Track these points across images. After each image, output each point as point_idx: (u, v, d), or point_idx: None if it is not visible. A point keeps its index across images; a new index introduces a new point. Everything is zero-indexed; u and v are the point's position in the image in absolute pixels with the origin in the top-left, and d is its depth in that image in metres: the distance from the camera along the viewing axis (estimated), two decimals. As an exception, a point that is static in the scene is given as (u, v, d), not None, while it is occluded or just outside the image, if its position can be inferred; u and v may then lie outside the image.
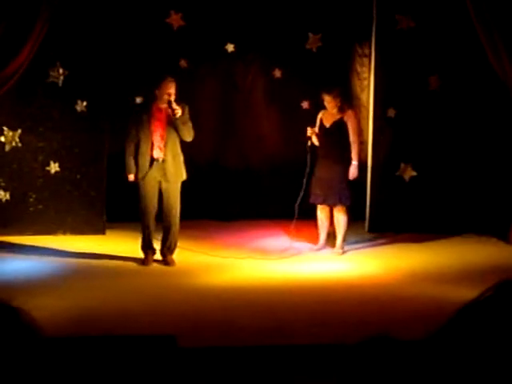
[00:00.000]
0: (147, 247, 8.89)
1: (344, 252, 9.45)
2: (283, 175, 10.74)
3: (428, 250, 9.64)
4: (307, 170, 9.32)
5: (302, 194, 9.36)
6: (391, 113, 10.37)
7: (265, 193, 11.10)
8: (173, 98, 8.56)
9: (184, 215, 9.74)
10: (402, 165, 10.45)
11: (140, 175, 8.76)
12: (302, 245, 9.75)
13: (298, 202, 9.36)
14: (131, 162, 8.80)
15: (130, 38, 10.56)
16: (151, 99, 8.81)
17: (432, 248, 9.72)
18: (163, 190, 8.80)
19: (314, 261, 9.14)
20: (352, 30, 10.98)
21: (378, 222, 10.44)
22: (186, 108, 8.72)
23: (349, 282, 8.27)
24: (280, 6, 10.83)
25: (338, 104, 9.24)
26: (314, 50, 11.08)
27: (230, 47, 10.95)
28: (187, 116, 8.73)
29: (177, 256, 9.03)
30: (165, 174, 8.73)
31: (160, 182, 8.79)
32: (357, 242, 9.92)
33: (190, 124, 8.76)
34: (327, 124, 9.32)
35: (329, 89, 9.35)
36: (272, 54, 11.02)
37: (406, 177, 10.48)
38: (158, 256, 8.97)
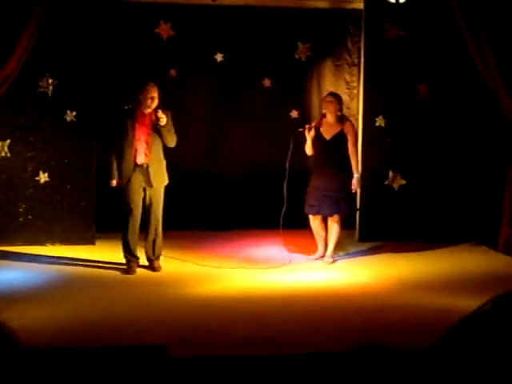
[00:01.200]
0: (130, 254, 8.89)
1: (334, 261, 9.45)
2: (273, 184, 10.73)
3: (418, 258, 9.65)
4: (287, 163, 9.26)
5: (285, 205, 9.36)
6: (380, 121, 10.40)
7: (255, 202, 11.10)
8: (156, 102, 8.63)
9: (174, 225, 9.75)
10: (391, 174, 10.48)
11: (123, 181, 8.78)
12: (295, 255, 9.76)
13: (282, 214, 9.38)
14: (114, 168, 8.84)
15: (120, 47, 10.57)
16: (135, 105, 8.80)
17: (422, 257, 9.73)
18: (147, 196, 8.83)
19: (305, 270, 9.13)
20: (341, 40, 11.02)
21: (368, 231, 10.45)
22: (169, 113, 8.74)
23: (339, 291, 8.27)
24: (269, 16, 10.85)
25: (338, 108, 9.24)
26: (304, 59, 11.11)
27: (220, 57, 10.96)
28: (170, 122, 8.75)
29: (167, 266, 9.03)
30: (149, 180, 8.74)
31: (144, 188, 8.81)
32: (347, 251, 9.92)
33: (172, 130, 8.79)
34: (327, 136, 9.28)
35: (335, 93, 9.63)
36: (261, 64, 11.04)
37: (396, 186, 10.50)
38: (142, 262, 9.00)
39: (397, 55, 10.31)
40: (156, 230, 8.89)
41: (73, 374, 3.59)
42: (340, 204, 9.25)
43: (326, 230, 9.46)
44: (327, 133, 9.29)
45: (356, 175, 9.25)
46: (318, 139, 9.30)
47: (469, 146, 10.45)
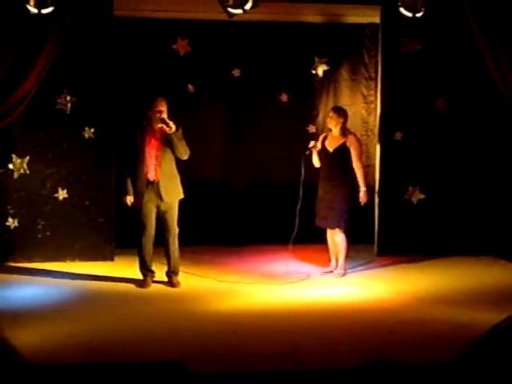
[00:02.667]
0: (145, 269, 8.95)
1: (345, 274, 9.45)
2: (290, 199, 10.71)
3: (436, 272, 9.61)
4: (301, 178, 9.33)
5: (295, 230, 9.40)
6: (398, 136, 10.38)
7: (272, 217, 11.08)
8: (165, 115, 8.66)
9: (192, 241, 9.76)
10: (410, 188, 10.45)
11: (139, 199, 8.84)
12: (311, 268, 9.75)
13: (292, 239, 9.42)
14: (128, 185, 8.89)
15: (138, 64, 10.62)
16: (146, 122, 8.85)
17: (440, 271, 9.69)
18: (161, 212, 8.86)
19: (322, 285, 9.12)
20: (357, 54, 11.03)
21: (387, 246, 10.42)
22: (180, 129, 8.74)
23: (357, 306, 8.24)
24: (285, 31, 10.88)
25: (341, 124, 9.31)
26: (320, 73, 11.12)
27: (237, 72, 10.99)
28: (181, 136, 8.76)
29: (185, 282, 9.03)
30: (161, 196, 8.77)
31: (157, 204, 8.83)
32: (365, 266, 9.90)
33: (184, 142, 8.78)
34: (330, 148, 9.38)
35: (337, 107, 9.71)
36: (278, 79, 11.06)
37: (414, 200, 10.48)
38: (158, 277, 9.05)
39: (414, 69, 10.30)
40: (172, 245, 8.92)
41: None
42: (341, 216, 9.28)
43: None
44: (331, 145, 9.40)
45: (363, 188, 9.28)
46: (323, 152, 9.40)
47: (487, 159, 10.41)
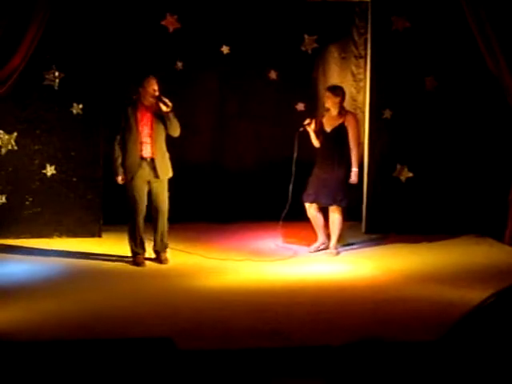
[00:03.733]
0: (137, 247, 8.91)
1: (338, 253, 9.47)
2: (279, 176, 10.72)
3: (424, 251, 9.65)
4: (294, 155, 9.34)
5: (286, 209, 9.42)
6: (387, 114, 10.38)
7: (261, 194, 11.09)
8: (157, 94, 8.66)
9: (181, 218, 9.75)
10: (399, 166, 10.46)
11: (129, 176, 8.80)
12: (300, 246, 9.77)
13: (282, 215, 9.43)
14: (118, 163, 8.84)
15: (126, 40, 10.56)
16: (137, 98, 8.82)
17: (428, 249, 9.73)
18: (152, 189, 8.85)
19: (312, 262, 9.14)
20: (347, 32, 11.00)
21: (375, 223, 10.45)
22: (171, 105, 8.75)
23: (345, 283, 8.27)
24: (275, 8, 10.84)
25: (338, 103, 9.29)
26: (310, 51, 11.09)
27: (226, 49, 10.95)
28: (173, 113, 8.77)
29: (174, 258, 9.04)
30: (155, 173, 8.77)
31: (149, 181, 8.82)
32: (353, 243, 9.93)
33: (176, 119, 8.77)
34: (328, 129, 9.36)
35: (333, 86, 9.60)
36: (267, 56, 11.03)
37: (403, 178, 10.49)
38: (148, 254, 9.03)
39: (403, 47, 10.28)
40: (162, 222, 8.91)
41: (79, 366, 3.60)
42: (338, 195, 9.28)
43: (325, 219, 9.49)
44: (328, 125, 9.38)
45: (354, 169, 9.28)
46: (321, 131, 9.39)
47: (476, 138, 10.42)
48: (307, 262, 9.18)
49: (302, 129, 9.40)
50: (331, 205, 9.37)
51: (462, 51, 10.18)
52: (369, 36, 10.51)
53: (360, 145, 9.66)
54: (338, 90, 9.42)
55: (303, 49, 11.09)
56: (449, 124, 10.41)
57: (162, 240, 8.98)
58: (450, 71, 10.32)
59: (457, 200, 10.45)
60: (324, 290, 8.00)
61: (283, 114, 11.13)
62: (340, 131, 9.30)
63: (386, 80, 10.34)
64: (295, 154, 9.34)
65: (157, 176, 8.78)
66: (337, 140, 9.31)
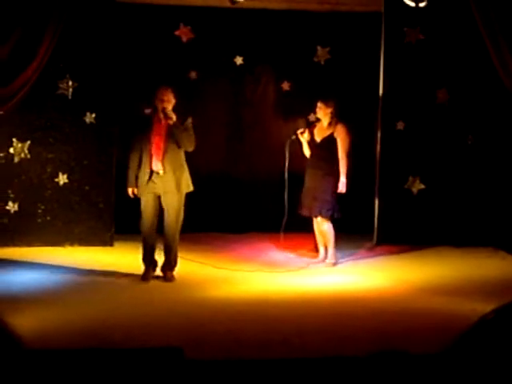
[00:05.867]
0: (148, 261, 8.72)
1: (335, 264, 9.46)
2: (291, 188, 10.71)
3: (436, 262, 9.62)
4: (286, 164, 9.40)
5: (285, 216, 9.44)
6: (400, 126, 10.37)
7: (273, 205, 11.07)
8: (168, 105, 8.46)
9: (192, 228, 9.74)
10: (411, 178, 10.45)
11: (140, 189, 8.60)
12: (306, 258, 9.75)
13: (283, 224, 9.43)
14: (131, 176, 8.64)
15: (140, 50, 10.61)
16: (154, 111, 8.68)
17: (440, 261, 9.70)
18: (163, 204, 8.62)
19: (322, 274, 9.13)
20: (360, 43, 10.99)
21: (386, 235, 10.43)
22: (189, 119, 8.68)
23: (357, 294, 8.25)
24: (288, 19, 10.85)
25: (329, 114, 9.30)
26: (322, 62, 11.10)
27: (239, 60, 10.98)
28: (189, 126, 8.60)
29: (184, 268, 9.00)
30: (164, 187, 8.55)
31: (159, 196, 8.61)
32: (364, 255, 9.91)
33: (191, 133, 8.57)
34: (318, 139, 9.43)
35: (325, 97, 9.54)
36: (280, 67, 11.04)
37: (415, 190, 10.48)
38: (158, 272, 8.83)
39: (416, 59, 10.28)
40: (171, 240, 8.68)
41: (88, 375, 3.60)
42: (324, 206, 9.28)
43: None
44: (319, 136, 9.44)
45: (343, 179, 9.27)
46: (312, 141, 9.44)
47: (488, 150, 10.41)
48: (318, 273, 9.17)
49: (294, 137, 9.47)
50: (320, 216, 9.37)
51: (474, 64, 10.18)
52: (382, 47, 10.51)
53: (349, 155, 9.56)
54: (330, 102, 9.41)
55: (316, 60, 11.10)
56: (461, 136, 10.39)
57: (169, 257, 8.72)
58: (463, 83, 10.32)
59: (469, 212, 10.43)
60: (334, 301, 7.98)
61: (296, 124, 11.12)
62: (329, 141, 9.33)
63: (399, 92, 10.34)
64: (287, 163, 9.37)
65: (165, 191, 8.55)
66: (326, 150, 9.34)
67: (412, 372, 1.87)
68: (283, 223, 9.48)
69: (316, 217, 9.45)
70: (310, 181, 9.44)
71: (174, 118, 8.41)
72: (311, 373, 5.89)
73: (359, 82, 10.99)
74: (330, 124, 9.37)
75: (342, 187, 9.31)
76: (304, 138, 9.42)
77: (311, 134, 9.46)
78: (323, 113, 9.38)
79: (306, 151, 9.48)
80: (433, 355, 1.86)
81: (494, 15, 9.39)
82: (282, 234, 9.56)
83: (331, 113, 9.36)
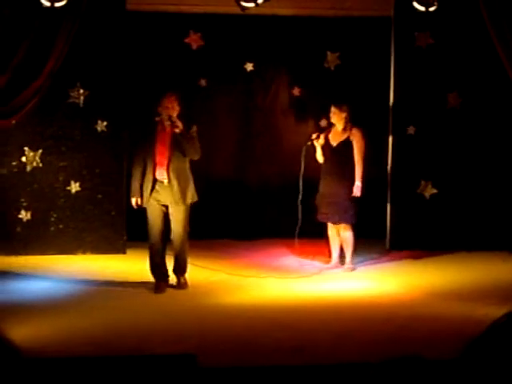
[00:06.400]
0: (158, 273, 8.57)
1: (354, 269, 9.46)
2: (303, 193, 10.70)
3: (449, 267, 9.59)
4: (301, 171, 9.40)
5: (299, 223, 9.43)
6: (411, 130, 10.36)
7: (284, 211, 11.06)
8: (173, 113, 8.33)
9: (204, 234, 9.73)
10: (423, 182, 10.43)
11: (144, 200, 8.44)
12: (322, 264, 9.74)
13: (297, 231, 9.42)
14: (135, 186, 8.49)
15: (150, 57, 10.62)
16: (157, 118, 8.57)
17: (453, 266, 9.67)
18: (170, 213, 8.46)
19: (335, 279, 9.11)
20: (370, 48, 10.97)
21: (399, 240, 10.41)
22: (195, 127, 8.54)
23: (370, 300, 8.23)
24: (298, 25, 10.85)
25: (343, 118, 9.30)
26: (333, 68, 11.10)
27: (249, 66, 10.98)
28: (194, 134, 8.45)
29: (197, 275, 8.98)
30: (169, 196, 8.38)
31: (165, 205, 8.46)
32: (378, 260, 9.89)
33: (196, 142, 8.43)
34: (334, 143, 9.39)
35: (338, 102, 9.53)
36: (291, 73, 11.04)
37: (427, 194, 10.45)
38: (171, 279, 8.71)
39: (427, 64, 10.27)
40: (179, 248, 8.54)
41: (103, 382, 3.61)
42: (347, 212, 9.28)
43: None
44: (334, 140, 9.42)
45: (358, 183, 9.26)
46: (326, 146, 9.40)
47: (500, 154, 10.37)
48: (331, 278, 9.15)
49: (309, 143, 9.42)
50: (341, 223, 9.36)
51: (485, 67, 10.15)
52: (392, 52, 10.50)
53: (365, 159, 9.55)
54: (343, 106, 9.41)
55: (326, 65, 11.09)
56: (473, 140, 10.37)
57: (179, 264, 8.61)
58: (474, 87, 10.30)
59: (482, 216, 10.39)
60: (347, 306, 7.97)
61: (307, 130, 11.12)
62: (346, 146, 9.32)
63: (410, 96, 10.32)
64: (302, 169, 9.37)
65: (171, 200, 8.40)
66: (342, 155, 9.33)
67: (427, 378, 1.86)
68: (297, 229, 9.47)
69: (338, 224, 9.42)
70: (327, 186, 9.40)
71: (181, 126, 8.30)
72: (324, 379, 5.88)
73: (370, 87, 10.96)
74: (344, 129, 9.36)
75: (356, 191, 9.30)
76: (318, 144, 9.40)
77: (326, 139, 9.44)
78: (337, 117, 9.37)
79: (320, 157, 9.45)
80: (446, 361, 1.85)
81: (503, 18, 9.37)
82: (296, 240, 9.54)
83: (345, 117, 9.36)
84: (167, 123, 8.35)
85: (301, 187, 9.44)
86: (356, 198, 9.30)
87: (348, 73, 11.08)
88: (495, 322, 1.79)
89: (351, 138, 9.33)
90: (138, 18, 10.36)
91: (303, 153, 9.39)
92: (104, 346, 6.63)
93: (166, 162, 8.39)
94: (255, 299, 8.24)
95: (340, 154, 9.35)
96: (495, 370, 1.69)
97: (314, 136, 9.45)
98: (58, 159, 10.01)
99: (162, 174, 8.39)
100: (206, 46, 10.81)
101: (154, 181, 8.40)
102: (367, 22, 10.86)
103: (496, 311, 7.18)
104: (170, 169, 8.39)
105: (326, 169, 9.46)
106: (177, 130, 8.29)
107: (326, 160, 9.45)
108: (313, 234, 9.79)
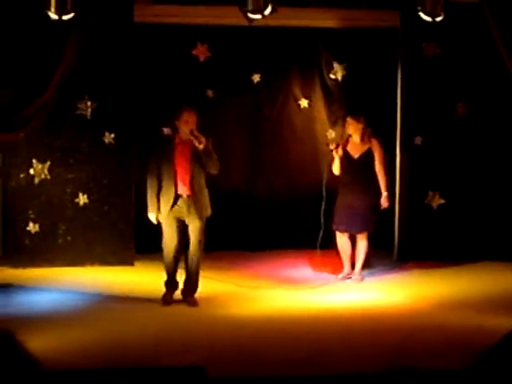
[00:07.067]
0: (170, 285, 8.54)
1: (362, 279, 9.45)
2: (311, 204, 10.70)
3: (457, 278, 9.57)
4: (324, 180, 9.48)
5: (322, 229, 9.47)
6: (418, 140, 10.35)
7: (293, 222, 11.07)
8: (190, 126, 8.21)
9: (212, 246, 9.71)
10: (430, 193, 10.42)
11: (163, 215, 8.34)
12: (330, 275, 9.73)
13: (319, 238, 9.45)
14: (153, 201, 8.37)
15: (157, 69, 10.63)
16: (174, 132, 8.57)
17: (461, 276, 9.65)
18: (189, 228, 8.38)
19: (344, 291, 9.10)
20: (377, 59, 10.97)
21: (407, 251, 10.39)
22: (209, 140, 8.38)
23: (377, 311, 8.22)
24: (305, 36, 10.87)
25: (360, 129, 9.31)
26: (340, 78, 11.10)
27: (256, 77, 10.99)
28: (211, 148, 8.36)
29: (205, 286, 8.93)
30: (189, 211, 8.31)
31: (183, 219, 8.38)
32: (386, 271, 9.88)
33: (214, 156, 8.36)
34: (355, 155, 9.37)
35: (355, 113, 9.57)
36: (298, 84, 11.05)
37: (434, 205, 10.44)
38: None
39: (434, 73, 10.27)
40: (194, 264, 8.46)
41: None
42: (368, 222, 9.29)
43: (353, 247, 9.48)
44: (355, 151, 9.40)
45: (385, 193, 9.27)
46: (346, 158, 9.37)
47: (508, 164, 10.36)
48: (339, 290, 9.14)
49: (332, 147, 9.42)
50: (362, 232, 9.36)
51: (492, 77, 10.14)
52: (399, 62, 10.50)
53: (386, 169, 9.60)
54: (360, 117, 9.43)
55: (333, 77, 11.09)
56: (481, 150, 10.36)
57: (190, 284, 8.53)
58: (481, 97, 10.29)
59: (489, 227, 10.37)
60: (355, 317, 7.96)
61: (314, 141, 11.12)
62: (368, 157, 9.33)
63: (417, 106, 10.32)
64: (325, 178, 9.40)
65: (191, 215, 8.30)
66: (365, 166, 9.32)
67: None
68: (319, 239, 9.50)
69: (358, 234, 9.41)
70: (348, 198, 9.34)
71: (204, 140, 8.18)
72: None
73: (377, 97, 10.97)
74: (362, 140, 9.36)
75: (384, 202, 9.30)
76: (338, 155, 9.38)
77: (344, 150, 9.41)
78: (354, 128, 9.37)
79: (336, 168, 9.43)
80: (454, 371, 1.86)
81: (510, 27, 9.37)
82: (318, 250, 9.59)
83: (362, 128, 9.36)
84: (191, 138, 8.21)
85: (324, 197, 9.46)
86: (380, 209, 9.31)
87: (355, 83, 11.08)
88: (510, 334, 1.79)
89: (372, 148, 9.34)
90: (145, 30, 10.38)
91: (325, 163, 9.41)
92: (112, 358, 6.63)
93: (188, 177, 8.30)
94: (264, 310, 8.24)
95: (362, 166, 9.34)
96: (508, 381, 1.69)
97: (332, 146, 9.44)
98: (66, 171, 10.02)
99: (183, 189, 8.30)
100: (213, 57, 10.82)
101: (176, 196, 8.30)
102: (374, 33, 10.86)
103: (505, 322, 7.18)
104: (192, 182, 8.31)
105: (347, 180, 9.40)
106: (201, 146, 8.16)
107: (346, 172, 9.41)
108: (324, 245, 9.79)
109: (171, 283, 8.57)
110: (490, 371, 1.74)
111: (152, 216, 8.42)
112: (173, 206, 8.31)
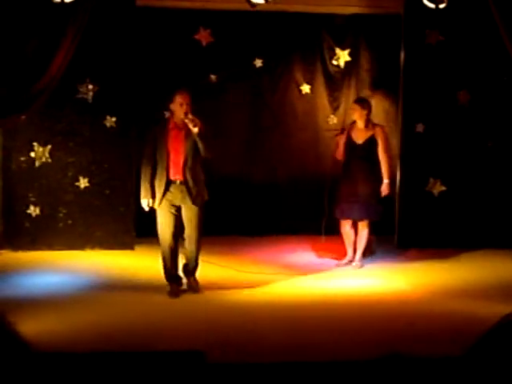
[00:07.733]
0: (171, 278, 8.31)
1: (362, 266, 9.49)
2: (311, 190, 10.71)
3: (457, 265, 9.58)
4: (329, 171, 9.56)
5: (326, 214, 9.46)
6: (420, 128, 10.34)
7: (293, 208, 11.08)
8: (185, 108, 7.91)
9: (212, 231, 9.71)
10: (432, 180, 10.41)
11: (156, 201, 8.10)
12: (330, 261, 9.74)
13: (324, 219, 9.44)
14: (146, 186, 8.15)
15: (160, 53, 10.63)
16: (168, 115, 8.45)
17: (461, 263, 9.66)
18: (183, 214, 8.15)
19: (344, 277, 9.11)
20: (380, 45, 10.96)
21: (408, 237, 10.39)
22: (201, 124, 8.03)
23: (376, 298, 8.23)
24: (307, 22, 10.85)
25: (365, 116, 9.29)
26: (342, 65, 11.08)
27: (259, 62, 10.98)
28: (205, 132, 8.06)
29: (206, 272, 8.89)
30: (184, 197, 8.06)
31: (179, 206, 8.14)
32: (386, 258, 9.88)
33: (209, 139, 8.08)
34: (359, 141, 9.35)
35: (360, 99, 9.67)
36: (300, 69, 11.04)
37: (436, 192, 10.44)
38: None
39: (437, 61, 10.25)
40: (192, 250, 8.28)
41: (109, 379, 3.61)
42: (370, 209, 9.28)
43: (356, 234, 9.48)
44: (358, 138, 9.39)
45: (386, 181, 9.27)
46: (349, 144, 9.36)
47: (509, 152, 10.35)
48: (338, 276, 9.15)
49: (339, 133, 9.48)
50: (364, 219, 9.36)
51: (495, 65, 10.12)
52: (402, 49, 10.48)
53: (391, 157, 9.62)
54: (365, 103, 9.43)
55: (335, 63, 11.08)
56: (482, 137, 10.35)
57: (189, 265, 8.40)
58: (484, 85, 10.27)
59: (490, 214, 10.37)
60: (355, 304, 7.96)
61: (315, 127, 11.12)
62: (371, 144, 9.32)
63: (419, 94, 10.30)
64: (331, 165, 9.41)
65: (186, 201, 8.07)
66: (367, 152, 9.31)
67: (408, 375, 1.87)
68: (323, 224, 9.51)
69: (361, 221, 9.41)
70: (350, 184, 9.34)
71: (199, 123, 7.91)
72: (328, 376, 5.88)
73: (379, 84, 10.95)
74: (366, 126, 9.34)
75: (386, 189, 9.30)
76: (341, 141, 9.39)
77: (348, 136, 9.41)
78: (359, 114, 9.35)
79: (340, 154, 9.46)
80: (451, 358, 1.85)
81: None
82: (323, 236, 9.63)
83: (367, 114, 9.35)
84: (186, 121, 7.93)
85: (328, 183, 9.46)
86: (381, 196, 9.31)
87: (357, 70, 11.06)
88: (501, 321, 1.79)
89: (376, 135, 9.32)
90: (147, 13, 10.37)
91: (333, 148, 9.49)
92: (111, 341, 6.64)
93: (181, 162, 8.03)
94: (263, 296, 8.24)
95: (365, 152, 9.33)
96: (501, 368, 1.69)
97: (337, 132, 9.45)
98: (67, 155, 10.02)
99: (176, 174, 8.06)
100: (216, 42, 10.81)
101: (168, 181, 8.06)
102: (377, 20, 10.85)
103: (503, 310, 7.17)
104: (186, 167, 8.04)
105: (350, 167, 9.41)
106: (195, 129, 7.87)
107: (348, 158, 9.41)
108: (330, 231, 9.80)
109: (173, 276, 8.34)
110: (483, 358, 1.74)
111: (144, 202, 8.22)
112: (165, 192, 8.08)
